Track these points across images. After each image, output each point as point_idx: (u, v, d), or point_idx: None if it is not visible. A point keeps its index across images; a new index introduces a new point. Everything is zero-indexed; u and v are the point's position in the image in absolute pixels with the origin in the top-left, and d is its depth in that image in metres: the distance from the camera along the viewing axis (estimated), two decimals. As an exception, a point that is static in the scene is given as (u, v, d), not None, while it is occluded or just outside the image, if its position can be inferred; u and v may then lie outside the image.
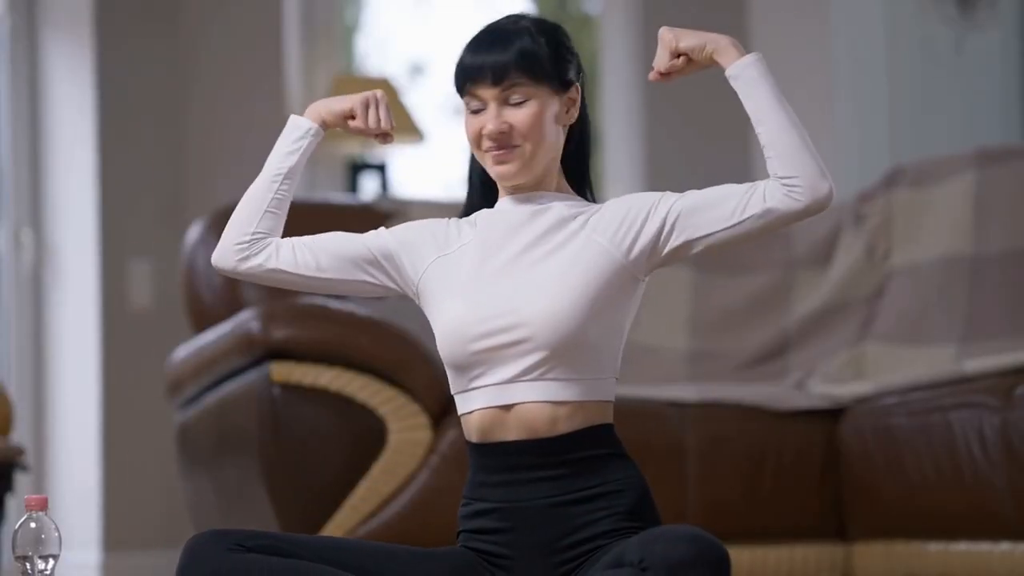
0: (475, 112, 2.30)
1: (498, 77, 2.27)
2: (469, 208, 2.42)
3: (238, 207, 2.38)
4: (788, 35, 5.55)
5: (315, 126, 2.39)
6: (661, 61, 2.30)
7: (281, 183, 2.37)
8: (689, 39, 2.28)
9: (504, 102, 2.28)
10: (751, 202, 2.23)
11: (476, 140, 2.31)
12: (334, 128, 2.41)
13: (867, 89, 5.57)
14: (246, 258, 2.36)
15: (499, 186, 2.37)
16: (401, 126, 5.53)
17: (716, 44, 2.27)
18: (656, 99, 5.74)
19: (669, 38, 2.29)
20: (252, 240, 2.36)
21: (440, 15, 6.54)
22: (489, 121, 2.28)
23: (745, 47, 2.28)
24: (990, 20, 5.80)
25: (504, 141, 2.28)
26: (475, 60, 2.29)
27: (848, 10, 5.56)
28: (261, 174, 2.39)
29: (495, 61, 2.27)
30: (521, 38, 2.28)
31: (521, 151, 2.28)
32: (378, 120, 2.38)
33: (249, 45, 5.47)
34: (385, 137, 2.40)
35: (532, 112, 2.28)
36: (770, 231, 2.26)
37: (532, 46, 2.28)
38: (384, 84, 5.62)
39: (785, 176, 2.21)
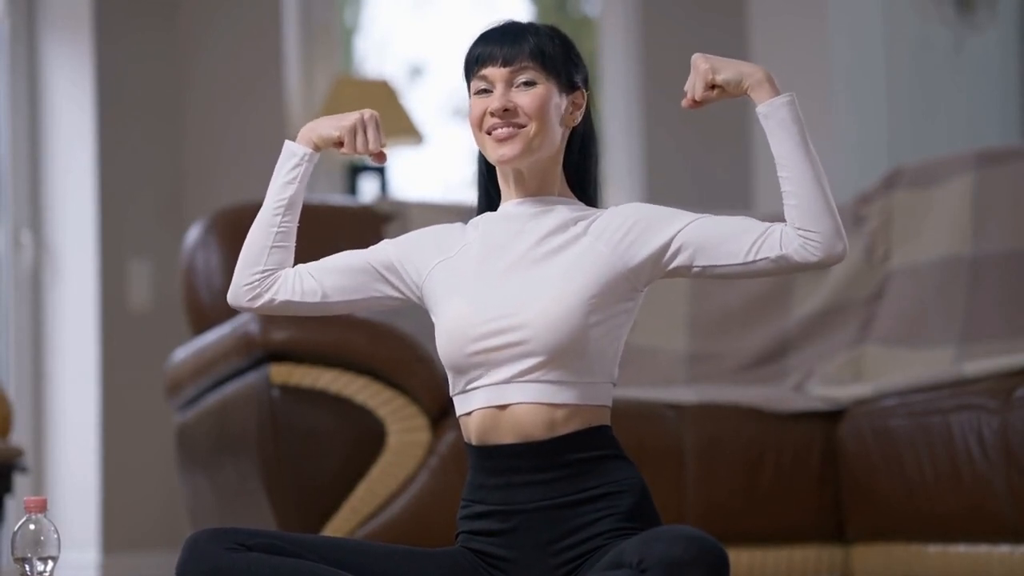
0: (481, 95, 2.31)
1: (508, 59, 2.28)
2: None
3: (245, 244, 2.39)
4: (787, 35, 5.55)
5: (309, 151, 2.39)
6: (697, 90, 2.27)
7: (284, 215, 2.38)
8: (726, 72, 2.26)
9: (512, 85, 2.29)
10: (766, 244, 2.23)
11: (479, 121, 2.31)
12: (327, 150, 2.42)
13: (866, 90, 5.56)
14: (257, 296, 2.38)
15: (501, 186, 2.37)
16: (400, 128, 5.53)
17: (752, 79, 2.25)
18: (655, 99, 5.73)
19: (705, 68, 2.26)
20: (261, 278, 2.37)
21: (439, 17, 6.54)
22: (495, 100, 2.29)
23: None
24: (989, 21, 5.81)
25: (508, 119, 2.29)
26: (487, 45, 2.30)
27: (847, 10, 5.56)
28: (263, 207, 2.39)
29: (507, 46, 2.29)
30: (535, 34, 2.31)
31: (525, 132, 2.29)
32: (366, 143, 2.38)
33: (248, 46, 5.47)
34: (378, 157, 2.40)
35: (538, 94, 2.29)
36: (778, 275, 2.26)
37: (545, 41, 2.30)
38: (383, 86, 5.62)
39: (803, 228, 2.21)
